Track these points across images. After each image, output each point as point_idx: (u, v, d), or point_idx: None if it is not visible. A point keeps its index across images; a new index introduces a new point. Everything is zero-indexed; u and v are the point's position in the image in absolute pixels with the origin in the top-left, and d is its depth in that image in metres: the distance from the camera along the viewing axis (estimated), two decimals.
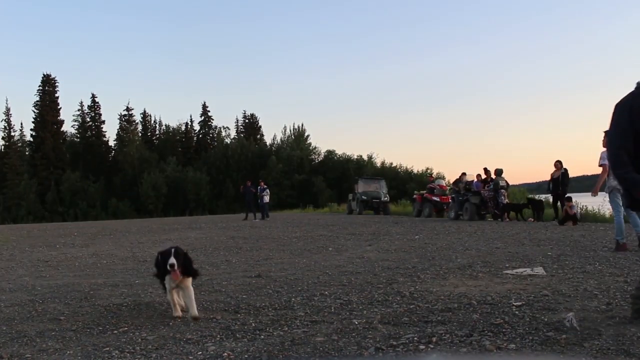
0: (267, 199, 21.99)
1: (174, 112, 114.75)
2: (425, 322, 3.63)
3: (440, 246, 8.67)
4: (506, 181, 16.60)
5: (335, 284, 5.34)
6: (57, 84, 60.40)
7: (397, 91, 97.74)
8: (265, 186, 22.26)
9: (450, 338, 3.20)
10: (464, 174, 17.96)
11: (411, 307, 4.12)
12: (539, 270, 5.66)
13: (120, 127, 63.02)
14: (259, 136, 67.72)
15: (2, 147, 58.67)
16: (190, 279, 4.10)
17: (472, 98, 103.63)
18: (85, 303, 4.84)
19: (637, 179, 3.33)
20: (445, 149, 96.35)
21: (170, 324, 3.91)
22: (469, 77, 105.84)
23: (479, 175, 17.32)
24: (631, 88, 3.51)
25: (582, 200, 16.53)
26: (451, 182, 20.66)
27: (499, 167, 16.52)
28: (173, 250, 4.01)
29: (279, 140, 65.63)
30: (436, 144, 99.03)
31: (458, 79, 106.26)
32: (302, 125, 64.88)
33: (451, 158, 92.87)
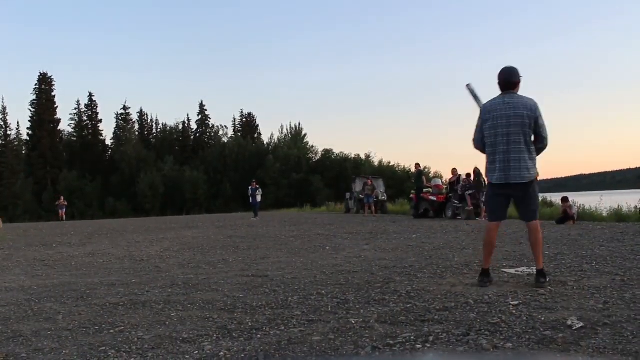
0: (259, 198, 23.04)
1: (171, 111, 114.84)
2: (423, 321, 3.63)
3: (437, 245, 8.67)
4: (484, 180, 16.67)
5: (332, 283, 5.34)
6: (53, 83, 60.29)
7: (395, 90, 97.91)
8: (257, 186, 23.23)
9: (447, 337, 3.20)
10: (454, 169, 17.91)
11: (408, 306, 4.11)
12: None
13: (117, 126, 62.95)
14: (256, 135, 67.65)
15: None
16: None
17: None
18: (82, 302, 4.82)
19: None
20: (444, 148, 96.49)
21: (167, 323, 3.90)
22: (467, 77, 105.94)
23: (468, 175, 17.28)
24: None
25: (579, 199, 16.57)
26: (447, 181, 20.62)
27: (477, 167, 16.64)
28: None
29: (276, 139, 65.58)
30: (434, 143, 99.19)
31: (457, 78, 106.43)
32: (300, 124, 64.91)
33: (449, 157, 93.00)
